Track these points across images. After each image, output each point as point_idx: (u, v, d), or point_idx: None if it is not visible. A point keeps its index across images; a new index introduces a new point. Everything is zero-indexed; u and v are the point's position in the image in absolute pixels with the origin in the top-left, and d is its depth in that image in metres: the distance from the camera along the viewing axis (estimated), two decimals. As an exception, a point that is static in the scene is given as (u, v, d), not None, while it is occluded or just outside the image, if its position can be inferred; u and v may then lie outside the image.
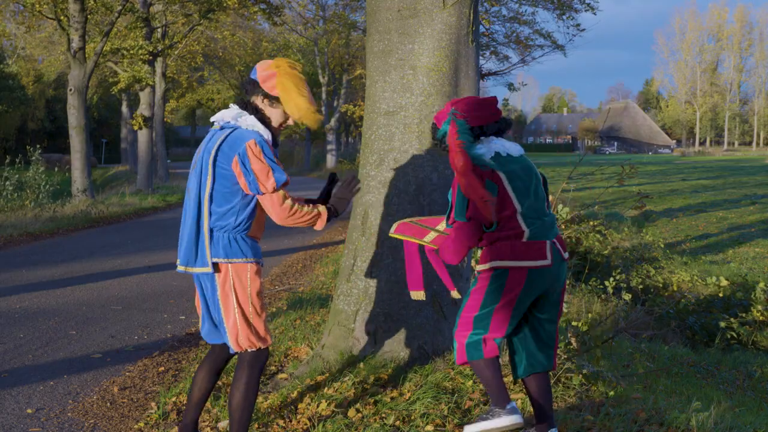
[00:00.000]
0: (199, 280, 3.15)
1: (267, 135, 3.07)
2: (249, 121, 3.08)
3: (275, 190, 3.00)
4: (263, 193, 3.00)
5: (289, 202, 3.04)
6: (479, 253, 3.28)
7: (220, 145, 3.02)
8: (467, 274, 4.50)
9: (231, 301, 3.07)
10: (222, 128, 3.11)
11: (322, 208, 3.14)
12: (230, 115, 3.11)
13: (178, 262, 3.18)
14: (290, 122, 3.16)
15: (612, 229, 15.22)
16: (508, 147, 3.22)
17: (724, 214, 20.13)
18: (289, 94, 3.08)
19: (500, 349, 3.32)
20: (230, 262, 3.05)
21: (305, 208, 3.09)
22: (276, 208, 3.02)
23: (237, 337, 3.09)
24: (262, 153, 2.98)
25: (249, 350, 3.11)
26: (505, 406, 3.13)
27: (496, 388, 3.15)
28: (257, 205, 3.09)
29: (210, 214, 3.06)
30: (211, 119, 3.19)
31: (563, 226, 7.53)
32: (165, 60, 25.96)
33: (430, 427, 3.49)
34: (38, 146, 16.46)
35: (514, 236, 3.13)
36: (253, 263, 3.10)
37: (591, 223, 11.45)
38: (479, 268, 3.25)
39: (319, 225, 3.14)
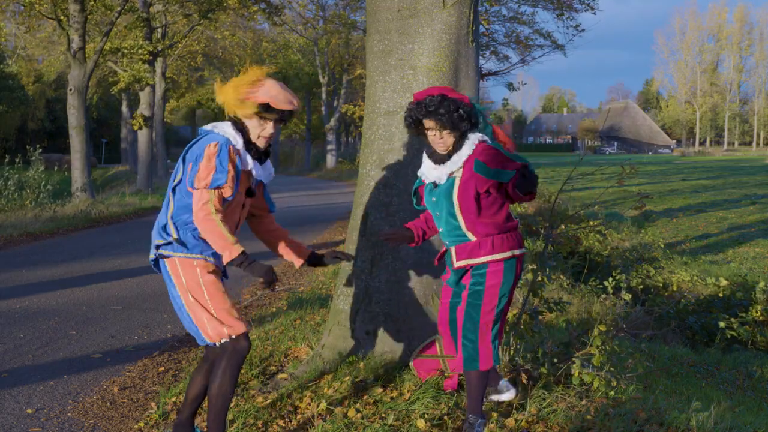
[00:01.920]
0: None
1: (238, 142, 3.11)
2: (223, 127, 3.14)
3: (206, 187, 2.99)
4: (196, 188, 3.01)
5: (210, 206, 2.98)
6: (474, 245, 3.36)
7: (191, 145, 3.15)
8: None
9: (187, 296, 3.13)
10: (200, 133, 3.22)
11: (237, 246, 2.97)
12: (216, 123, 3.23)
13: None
14: (267, 127, 3.13)
15: (612, 229, 15.22)
16: None
17: (724, 214, 20.13)
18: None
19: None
20: (174, 255, 3.13)
21: (224, 229, 2.97)
22: (198, 203, 3.01)
23: (206, 331, 3.12)
24: (217, 154, 3.02)
25: (222, 341, 3.12)
26: (482, 415, 3.43)
27: (482, 396, 3.44)
28: (225, 211, 3.12)
29: (172, 206, 3.16)
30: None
31: (563, 226, 7.54)
32: (165, 60, 25.97)
33: (429, 427, 3.50)
34: (38, 146, 16.47)
35: (515, 227, 3.43)
36: (199, 259, 3.12)
37: (591, 223, 11.46)
38: (498, 257, 3.32)
39: (226, 257, 2.99)
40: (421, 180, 3.52)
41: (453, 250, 3.38)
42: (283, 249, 3.52)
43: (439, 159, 3.33)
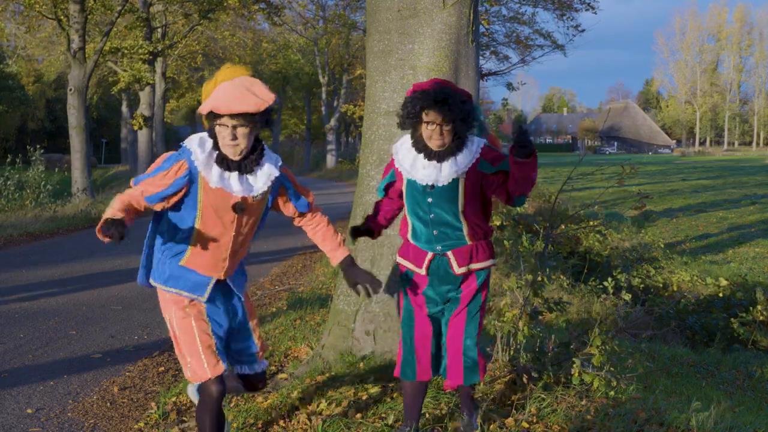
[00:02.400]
0: None
1: (198, 157, 2.81)
2: (190, 141, 2.89)
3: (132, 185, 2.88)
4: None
5: (120, 194, 2.83)
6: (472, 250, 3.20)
7: None
8: None
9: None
10: None
11: (107, 213, 2.69)
12: None
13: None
14: (225, 135, 2.76)
15: (612, 229, 15.22)
16: None
17: (724, 214, 20.12)
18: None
19: None
20: (155, 285, 2.99)
21: (116, 202, 2.76)
22: None
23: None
24: (161, 162, 2.84)
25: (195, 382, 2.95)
26: (476, 406, 3.51)
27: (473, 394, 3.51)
28: (198, 235, 2.88)
29: (152, 231, 3.05)
30: None
31: (563, 226, 7.53)
32: (165, 60, 25.97)
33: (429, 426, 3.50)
34: (38, 146, 16.47)
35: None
36: (173, 293, 2.93)
37: (591, 223, 11.45)
38: (492, 262, 3.24)
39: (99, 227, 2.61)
40: (393, 176, 3.25)
41: (451, 255, 3.15)
42: (322, 247, 3.21)
43: (433, 156, 3.07)
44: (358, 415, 3.65)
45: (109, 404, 4.27)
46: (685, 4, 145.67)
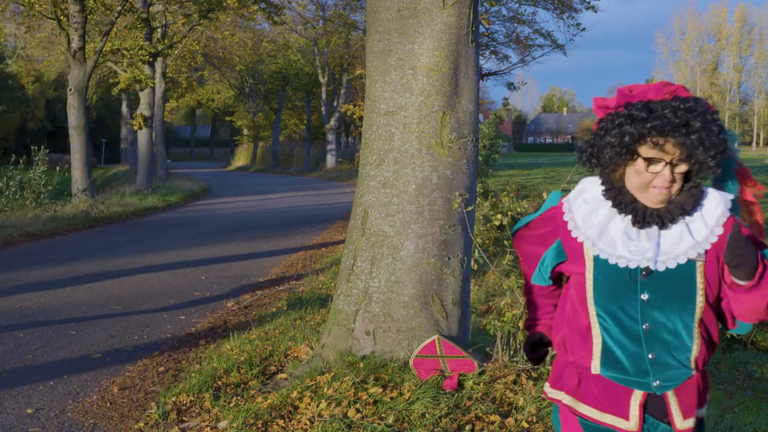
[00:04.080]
0: None
1: None
2: None
3: None
4: None
5: None
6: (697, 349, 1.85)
7: None
8: None
9: None
10: None
11: None
12: None
13: None
14: None
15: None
16: None
17: (724, 214, 20.12)
18: None
19: None
20: None
21: None
22: None
23: None
24: None
25: None
26: None
27: None
28: None
29: None
30: None
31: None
32: (165, 60, 25.98)
33: (429, 427, 3.50)
34: (42, 147, 16.43)
35: None
36: None
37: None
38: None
39: None
40: (560, 250, 1.94)
41: (672, 397, 1.84)
42: None
43: (648, 218, 1.80)
44: (358, 415, 3.65)
45: (109, 404, 4.27)
46: (684, 4, 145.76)
